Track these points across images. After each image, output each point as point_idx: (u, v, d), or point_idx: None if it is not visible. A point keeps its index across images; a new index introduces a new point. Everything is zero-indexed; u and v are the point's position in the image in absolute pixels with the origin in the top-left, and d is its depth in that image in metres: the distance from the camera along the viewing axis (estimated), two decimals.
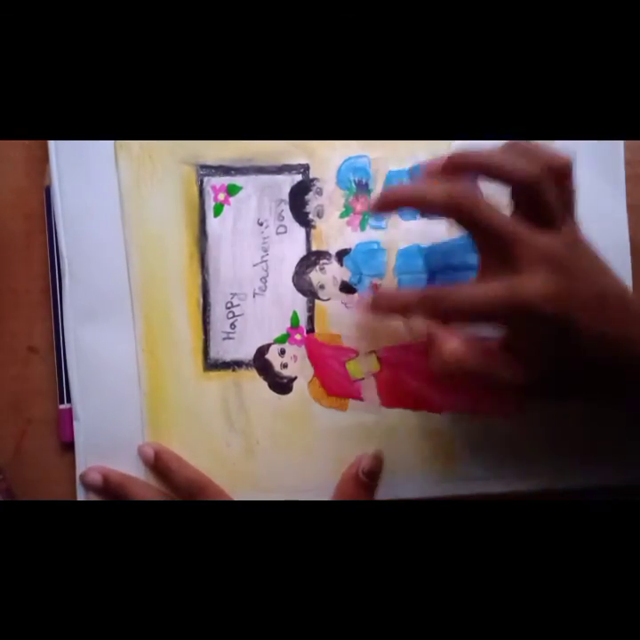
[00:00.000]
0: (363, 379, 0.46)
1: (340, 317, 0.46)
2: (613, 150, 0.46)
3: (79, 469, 0.45)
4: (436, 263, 0.46)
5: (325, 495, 0.45)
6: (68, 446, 0.46)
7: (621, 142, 0.46)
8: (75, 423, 0.46)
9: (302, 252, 0.46)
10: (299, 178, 0.46)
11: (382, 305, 0.41)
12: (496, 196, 0.38)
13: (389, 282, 0.46)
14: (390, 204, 0.40)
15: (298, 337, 0.46)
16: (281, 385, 0.46)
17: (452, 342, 0.38)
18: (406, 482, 0.46)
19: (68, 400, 0.46)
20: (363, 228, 0.46)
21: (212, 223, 0.46)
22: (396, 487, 0.46)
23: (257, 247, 0.46)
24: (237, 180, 0.46)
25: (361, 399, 0.46)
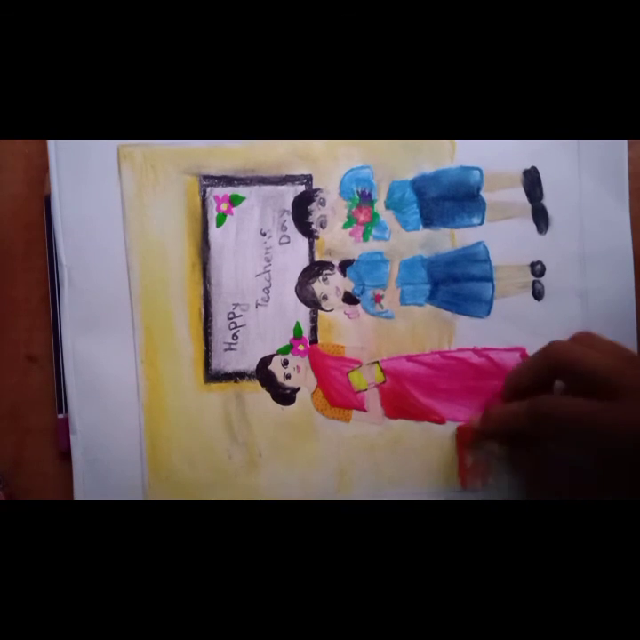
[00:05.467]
0: (366, 390, 0.46)
1: (343, 328, 0.46)
2: (617, 160, 0.47)
3: (77, 482, 0.45)
4: (439, 274, 0.46)
5: None
6: (67, 455, 0.45)
7: (625, 150, 0.47)
8: (71, 437, 0.45)
9: (305, 262, 0.46)
10: (302, 188, 0.46)
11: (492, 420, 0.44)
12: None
13: (392, 292, 0.46)
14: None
15: (301, 348, 0.46)
16: (284, 396, 0.46)
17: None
18: (409, 493, 0.46)
19: (67, 410, 0.45)
20: (366, 238, 0.46)
21: (215, 233, 0.46)
22: (397, 497, 0.45)
23: (259, 257, 0.46)
24: (240, 190, 0.46)
25: (364, 410, 0.46)
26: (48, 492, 0.46)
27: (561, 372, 0.41)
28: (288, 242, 0.46)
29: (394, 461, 0.46)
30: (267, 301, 0.46)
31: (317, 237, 0.46)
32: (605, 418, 0.37)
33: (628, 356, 0.40)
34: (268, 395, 0.46)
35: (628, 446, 0.37)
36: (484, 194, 0.46)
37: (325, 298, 0.46)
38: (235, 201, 0.46)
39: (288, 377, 0.46)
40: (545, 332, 0.46)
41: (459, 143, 0.46)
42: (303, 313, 0.46)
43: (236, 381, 0.46)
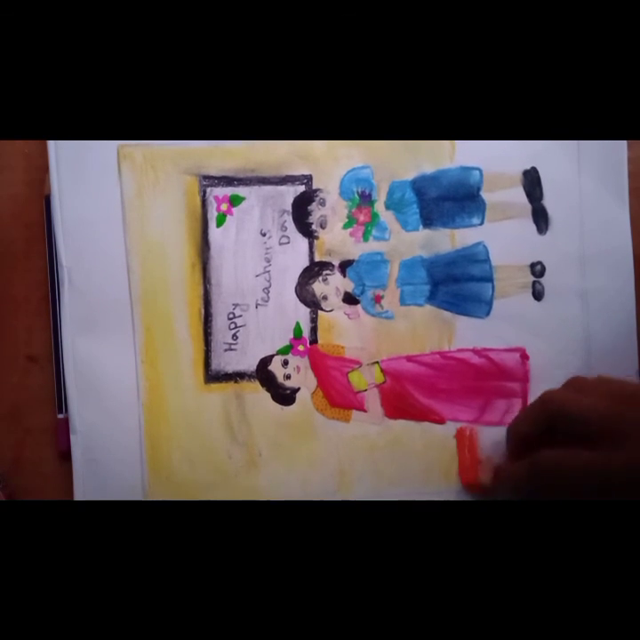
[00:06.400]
0: (366, 390, 0.46)
1: (343, 328, 0.46)
2: (617, 160, 0.47)
3: (77, 482, 0.45)
4: (439, 274, 0.46)
5: None
6: (67, 455, 0.45)
7: (625, 150, 0.47)
8: (71, 436, 0.45)
9: (305, 262, 0.46)
10: (302, 188, 0.46)
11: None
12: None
13: (392, 293, 0.46)
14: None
15: (301, 348, 0.46)
16: (284, 396, 0.46)
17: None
18: (409, 493, 0.46)
19: (67, 410, 0.45)
20: (366, 238, 0.46)
21: (215, 233, 0.46)
22: (397, 497, 0.45)
23: (259, 258, 0.46)
24: (240, 190, 0.46)
25: (364, 410, 0.46)
26: (48, 492, 0.46)
27: (557, 420, 0.41)
28: (288, 242, 0.46)
29: (394, 461, 0.46)
30: (267, 301, 0.46)
31: (317, 238, 0.46)
32: (608, 467, 0.37)
33: (626, 394, 0.39)
34: (268, 395, 0.46)
35: (627, 492, 0.36)
36: (483, 194, 0.46)
37: (325, 298, 0.46)
38: (235, 201, 0.46)
39: (288, 377, 0.46)
40: (545, 332, 0.46)
41: (459, 143, 0.46)
42: (303, 313, 0.46)
43: (236, 381, 0.46)
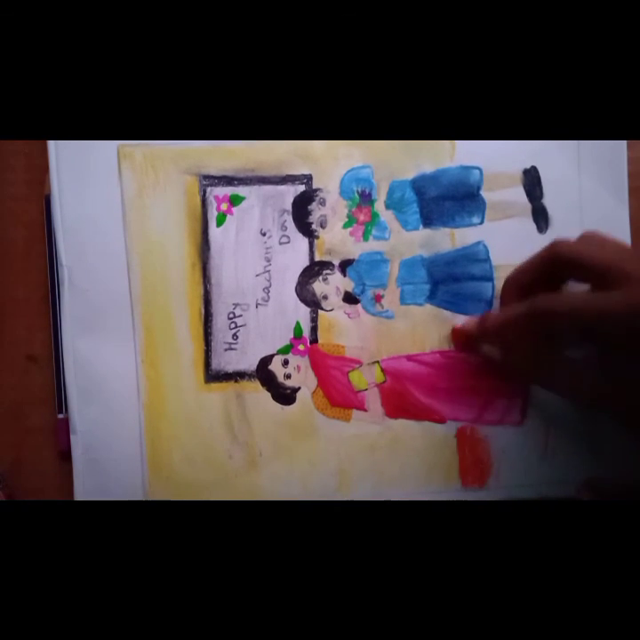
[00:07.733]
0: (367, 389, 0.46)
1: (343, 328, 0.46)
2: (617, 160, 0.47)
3: (77, 482, 0.45)
4: (439, 273, 0.46)
5: None
6: (67, 455, 0.45)
7: (625, 149, 0.47)
8: (71, 436, 0.45)
9: (305, 262, 0.46)
10: (302, 188, 0.46)
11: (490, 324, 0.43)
12: None
13: (392, 292, 0.46)
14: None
15: (301, 347, 0.46)
16: (284, 396, 0.46)
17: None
18: (409, 492, 0.46)
19: (67, 410, 0.45)
20: (366, 238, 0.46)
21: (215, 233, 0.46)
22: (397, 497, 0.45)
23: (260, 257, 0.46)
24: (240, 190, 0.46)
25: (365, 410, 0.46)
26: (48, 492, 0.46)
27: (562, 266, 0.40)
28: (288, 242, 0.46)
29: (394, 461, 0.46)
30: (267, 301, 0.46)
31: (317, 237, 0.46)
32: (603, 305, 0.37)
33: (631, 251, 0.40)
34: (269, 394, 0.46)
35: (626, 331, 0.36)
36: (483, 193, 0.46)
37: (325, 297, 0.46)
38: (235, 201, 0.46)
39: (288, 377, 0.46)
40: None
41: (458, 143, 0.46)
42: (303, 313, 0.46)
43: (236, 381, 0.46)
